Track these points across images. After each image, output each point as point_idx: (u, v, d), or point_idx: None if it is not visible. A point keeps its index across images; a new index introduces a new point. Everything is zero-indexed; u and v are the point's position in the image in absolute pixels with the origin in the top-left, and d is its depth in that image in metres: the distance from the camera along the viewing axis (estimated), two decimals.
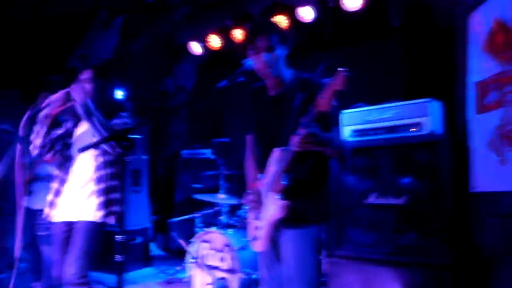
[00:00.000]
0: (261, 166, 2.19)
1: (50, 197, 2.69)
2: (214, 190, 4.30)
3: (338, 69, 1.66)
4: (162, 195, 6.04)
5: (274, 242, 2.14)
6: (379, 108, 3.18)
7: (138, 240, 4.86)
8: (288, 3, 4.50)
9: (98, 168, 2.63)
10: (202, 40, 5.39)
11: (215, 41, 5.36)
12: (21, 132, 2.51)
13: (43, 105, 2.58)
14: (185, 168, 5.57)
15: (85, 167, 2.65)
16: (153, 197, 5.68)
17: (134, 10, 5.22)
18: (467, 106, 2.86)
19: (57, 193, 2.68)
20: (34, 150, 2.68)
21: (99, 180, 2.61)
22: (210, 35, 5.32)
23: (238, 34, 5.03)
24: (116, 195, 2.63)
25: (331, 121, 2.01)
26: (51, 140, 2.70)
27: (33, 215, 3.33)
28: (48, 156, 2.76)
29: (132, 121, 2.74)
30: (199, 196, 4.17)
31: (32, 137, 2.67)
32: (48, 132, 2.67)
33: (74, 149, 2.69)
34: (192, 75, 6.22)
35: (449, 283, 2.66)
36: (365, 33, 4.43)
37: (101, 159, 2.64)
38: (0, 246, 4.49)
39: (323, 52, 4.78)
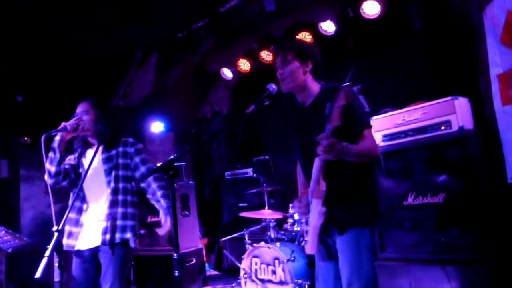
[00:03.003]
0: (307, 175, 2.30)
1: (67, 227, 2.62)
2: (259, 207, 4.47)
3: (339, 86, 1.76)
4: (211, 216, 6.27)
5: (324, 243, 2.24)
6: (407, 111, 3.25)
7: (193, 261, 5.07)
8: (309, 20, 4.66)
9: (112, 194, 2.63)
10: (233, 65, 5.67)
11: (245, 65, 5.64)
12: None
13: (58, 129, 2.52)
14: (230, 188, 5.77)
15: (100, 195, 2.65)
16: (202, 219, 5.92)
17: (165, 47, 5.59)
18: (493, 99, 2.88)
19: (76, 223, 2.66)
20: (48, 179, 2.55)
21: (112, 205, 2.61)
22: (239, 59, 5.60)
23: (265, 55, 5.29)
24: (130, 222, 2.63)
25: (351, 131, 2.09)
26: (66, 169, 2.63)
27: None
28: (64, 184, 2.66)
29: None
30: (245, 214, 4.34)
31: (46, 164, 2.56)
32: (61, 159, 2.59)
33: (88, 177, 2.52)
34: (227, 99, 6.49)
35: (494, 278, 2.65)
36: (386, 38, 4.51)
37: (113, 186, 2.63)
38: None
39: (349, 62, 4.89)
